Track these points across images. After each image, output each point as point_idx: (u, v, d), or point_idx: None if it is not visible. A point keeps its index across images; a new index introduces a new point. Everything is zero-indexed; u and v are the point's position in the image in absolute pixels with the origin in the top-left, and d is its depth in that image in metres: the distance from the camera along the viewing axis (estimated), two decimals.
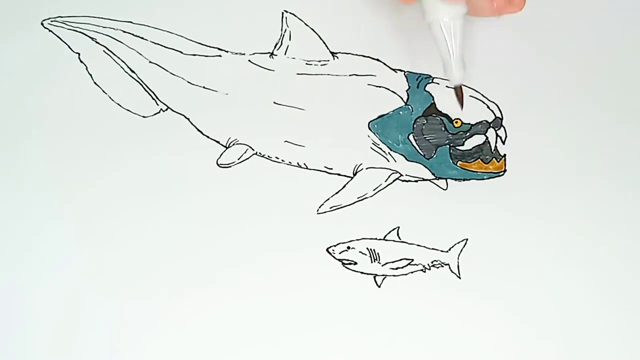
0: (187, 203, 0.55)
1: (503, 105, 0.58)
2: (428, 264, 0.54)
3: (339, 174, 0.56)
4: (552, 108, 0.59)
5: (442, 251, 0.55)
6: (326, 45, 0.60)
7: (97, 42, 0.60)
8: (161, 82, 0.59)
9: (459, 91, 0.54)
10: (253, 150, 0.57)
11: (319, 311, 0.53)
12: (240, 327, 0.52)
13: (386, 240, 0.55)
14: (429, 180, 0.56)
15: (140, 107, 0.58)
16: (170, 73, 0.59)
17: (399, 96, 0.58)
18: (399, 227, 0.55)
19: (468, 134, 0.57)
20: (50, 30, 0.60)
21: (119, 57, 0.59)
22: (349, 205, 0.56)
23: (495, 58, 0.60)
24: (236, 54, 0.60)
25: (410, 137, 0.57)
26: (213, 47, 0.60)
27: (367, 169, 0.57)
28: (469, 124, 0.57)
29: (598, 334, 0.53)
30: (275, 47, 0.60)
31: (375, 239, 0.55)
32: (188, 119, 0.58)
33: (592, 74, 0.60)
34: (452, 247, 0.55)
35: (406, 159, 0.57)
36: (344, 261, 0.54)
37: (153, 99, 0.58)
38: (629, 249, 0.55)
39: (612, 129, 0.58)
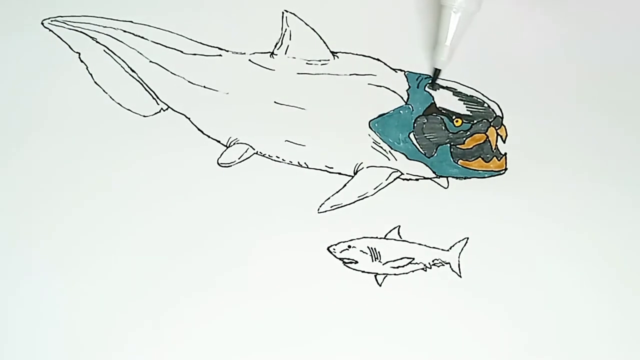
0: (187, 202, 0.55)
1: (503, 104, 0.58)
2: (429, 263, 0.54)
3: (339, 173, 0.56)
4: (552, 107, 0.59)
5: (443, 250, 0.55)
6: (326, 45, 0.60)
7: (97, 42, 0.60)
8: (162, 82, 0.59)
9: (437, 73, 0.58)
10: (254, 149, 0.57)
11: (320, 310, 0.53)
12: (241, 325, 0.52)
13: (387, 239, 0.55)
14: (430, 178, 0.56)
15: (140, 107, 0.58)
16: (171, 72, 0.59)
17: (399, 96, 0.58)
18: (399, 226, 0.55)
19: (468, 132, 0.57)
20: (50, 30, 0.60)
21: (119, 57, 0.59)
22: (350, 204, 0.56)
23: (496, 58, 0.60)
24: (236, 53, 0.60)
25: (411, 135, 0.57)
26: (213, 47, 0.60)
27: (367, 168, 0.57)
28: (470, 122, 0.57)
29: (599, 331, 0.53)
30: (275, 46, 0.60)
31: (376, 237, 0.55)
32: (188, 119, 0.58)
33: (592, 74, 0.60)
34: (453, 245, 0.55)
35: (407, 157, 0.57)
36: (344, 260, 0.54)
37: (153, 98, 0.58)
38: (630, 247, 0.55)
39: (612, 128, 0.58)
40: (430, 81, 0.58)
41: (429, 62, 0.59)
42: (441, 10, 0.56)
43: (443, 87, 0.58)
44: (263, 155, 0.57)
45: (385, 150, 0.57)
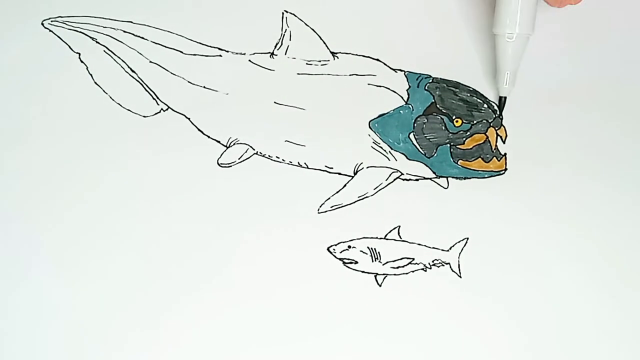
0: (187, 202, 0.55)
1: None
2: (429, 263, 0.54)
3: (339, 173, 0.57)
4: (552, 108, 0.59)
5: (442, 250, 0.55)
6: (326, 45, 0.60)
7: (97, 42, 0.60)
8: (162, 82, 0.59)
9: (503, 101, 0.58)
10: (254, 149, 0.57)
11: (320, 310, 0.53)
12: (241, 324, 0.52)
13: (387, 239, 0.55)
14: (430, 179, 0.57)
15: (140, 107, 0.58)
16: (171, 73, 0.59)
17: (399, 95, 0.58)
18: (399, 226, 0.55)
19: (468, 133, 0.57)
20: (50, 30, 0.60)
21: (119, 57, 0.59)
22: (350, 204, 0.56)
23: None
24: (236, 53, 0.60)
25: (411, 136, 0.57)
26: (213, 47, 0.60)
27: (367, 168, 0.57)
28: (470, 122, 0.57)
29: (599, 331, 0.53)
30: (275, 47, 0.60)
31: (376, 238, 0.55)
32: (189, 119, 0.58)
33: (592, 74, 0.60)
34: (453, 246, 0.55)
35: (407, 157, 0.57)
36: (344, 260, 0.54)
37: (153, 98, 0.58)
38: (630, 247, 0.55)
39: (612, 128, 0.58)
40: (430, 80, 0.59)
41: (430, 62, 0.59)
42: (495, 39, 0.56)
43: (444, 84, 0.58)
44: (263, 155, 0.57)
45: (385, 151, 0.57)
